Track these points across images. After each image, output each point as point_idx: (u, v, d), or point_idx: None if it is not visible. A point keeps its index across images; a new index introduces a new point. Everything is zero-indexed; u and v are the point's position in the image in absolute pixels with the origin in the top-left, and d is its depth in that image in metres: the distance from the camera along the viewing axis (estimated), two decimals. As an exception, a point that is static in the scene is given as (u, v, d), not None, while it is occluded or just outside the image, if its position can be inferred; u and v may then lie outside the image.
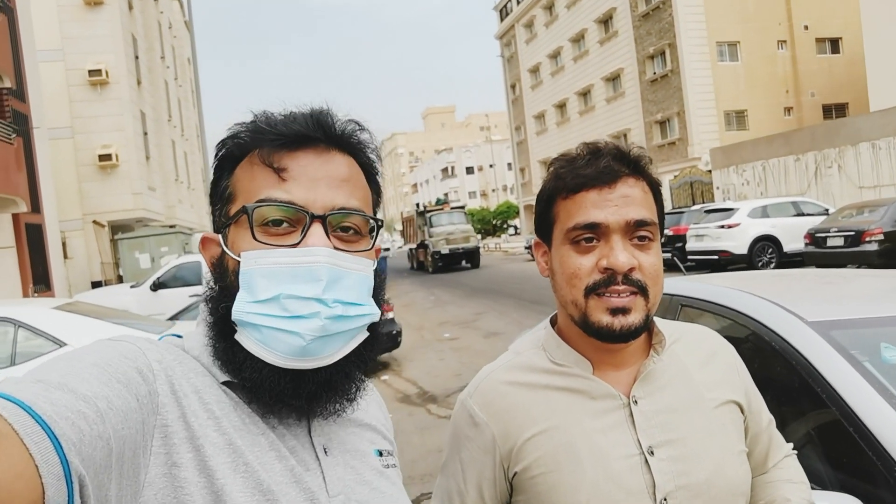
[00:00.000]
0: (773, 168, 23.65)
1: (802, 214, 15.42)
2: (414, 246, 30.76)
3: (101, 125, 23.93)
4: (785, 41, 32.88)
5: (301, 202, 0.74)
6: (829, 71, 32.97)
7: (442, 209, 28.84)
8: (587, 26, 39.83)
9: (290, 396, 0.73)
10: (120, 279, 20.65)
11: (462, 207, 30.62)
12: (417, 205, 30.58)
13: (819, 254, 12.54)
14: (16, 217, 16.41)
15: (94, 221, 23.53)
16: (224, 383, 0.75)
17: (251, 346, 0.72)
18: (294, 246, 0.73)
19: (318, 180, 0.76)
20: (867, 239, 11.78)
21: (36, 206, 17.69)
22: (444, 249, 26.08)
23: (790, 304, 1.80)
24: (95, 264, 23.17)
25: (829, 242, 12.54)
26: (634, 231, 0.98)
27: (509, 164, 71.39)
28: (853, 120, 22.40)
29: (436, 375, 7.99)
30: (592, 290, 0.98)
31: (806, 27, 32.72)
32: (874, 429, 1.35)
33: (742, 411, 1.09)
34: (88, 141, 23.88)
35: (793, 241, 14.42)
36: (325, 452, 0.78)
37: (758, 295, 1.95)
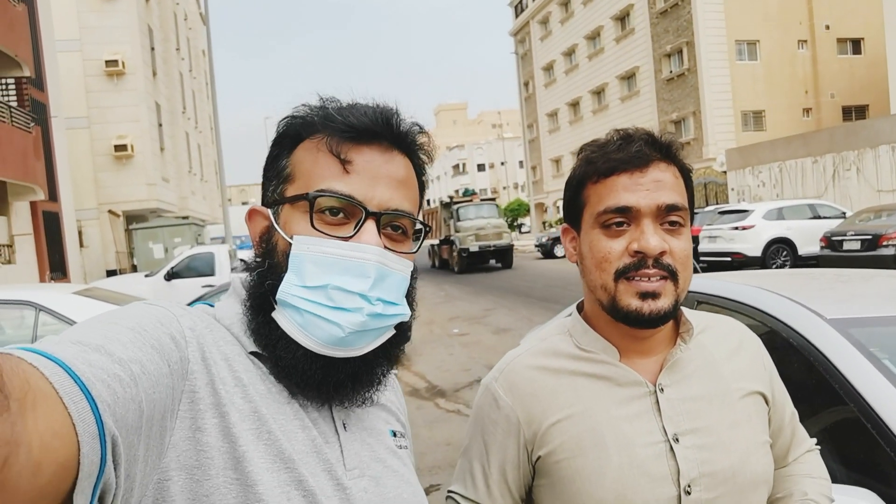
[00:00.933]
0: (789, 170, 23.43)
1: (819, 217, 15.26)
2: (436, 242, 26.99)
3: (116, 115, 24.18)
4: (805, 41, 32.56)
5: (360, 197, 0.76)
6: (850, 72, 32.61)
7: (470, 200, 25.31)
8: (603, 23, 39.63)
9: (318, 382, 0.75)
10: (134, 268, 20.86)
11: (493, 199, 27.15)
12: (450, 197, 26.44)
13: (835, 257, 12.41)
14: (34, 205, 16.62)
15: (110, 211, 23.78)
16: (252, 353, 0.77)
17: (289, 327, 0.75)
18: (347, 239, 0.75)
19: (379, 178, 0.78)
20: (884, 243, 11.65)
21: (53, 194, 17.89)
22: (473, 246, 22.61)
23: (809, 302, 1.78)
24: (110, 253, 23.43)
25: (846, 246, 12.42)
26: (665, 215, 0.97)
27: (521, 162, 71.31)
28: (873, 122, 22.13)
29: (445, 370, 8.00)
30: (622, 274, 0.97)
31: (827, 27, 32.36)
32: (893, 426, 1.33)
33: (766, 402, 1.09)
34: (104, 131, 24.13)
35: (808, 244, 14.29)
36: (345, 428, 0.80)
37: (776, 292, 1.93)
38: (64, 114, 19.96)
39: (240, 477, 0.67)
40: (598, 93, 41.49)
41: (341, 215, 0.77)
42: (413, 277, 0.84)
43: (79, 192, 21.78)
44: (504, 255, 23.66)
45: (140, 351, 0.61)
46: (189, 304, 0.82)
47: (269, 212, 0.81)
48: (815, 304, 1.75)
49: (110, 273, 21.14)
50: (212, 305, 0.84)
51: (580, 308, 1.13)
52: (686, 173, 1.03)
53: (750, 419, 1.03)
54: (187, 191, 30.27)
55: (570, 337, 1.10)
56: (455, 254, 23.66)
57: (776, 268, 14.45)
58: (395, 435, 0.89)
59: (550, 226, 34.17)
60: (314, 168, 0.78)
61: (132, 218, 25.13)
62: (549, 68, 48.17)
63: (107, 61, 23.88)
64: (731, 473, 0.97)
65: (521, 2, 52.74)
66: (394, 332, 0.82)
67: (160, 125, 26.53)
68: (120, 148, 23.94)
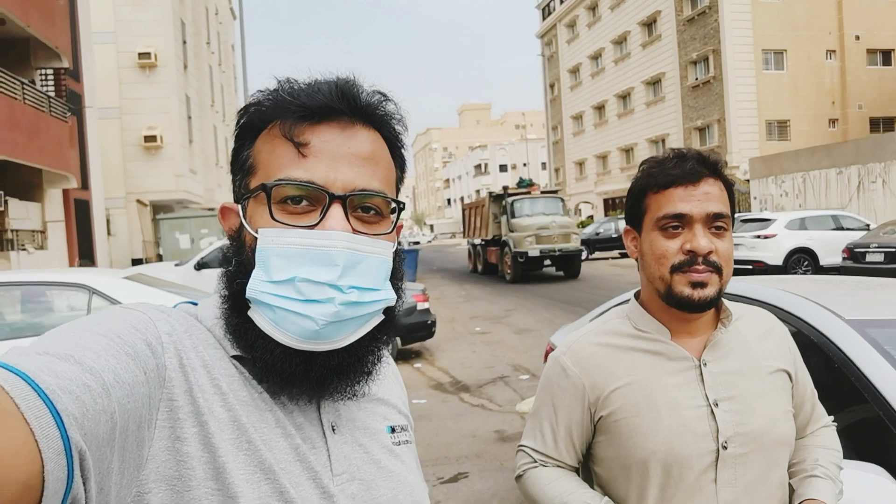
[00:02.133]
0: (813, 180, 23.28)
1: (842, 228, 15.23)
2: (479, 241, 22.65)
3: (147, 107, 24.63)
4: (834, 51, 32.28)
5: (321, 181, 0.72)
6: (880, 83, 32.27)
7: (528, 192, 20.27)
8: (630, 28, 39.54)
9: (300, 379, 0.72)
10: (159, 257, 21.25)
11: (555, 192, 21.45)
12: (504, 188, 21.11)
13: (857, 269, 12.41)
14: (66, 192, 17.05)
15: (138, 200, 24.25)
16: (234, 357, 0.74)
17: (264, 324, 0.71)
18: (312, 227, 0.71)
19: (340, 158, 0.73)
20: (908, 256, 11.63)
21: (85, 182, 18.33)
22: (534, 250, 18.08)
23: (828, 303, 1.95)
24: (137, 242, 23.89)
25: (868, 258, 12.41)
26: (713, 222, 1.19)
27: (543, 164, 71.14)
28: (900, 135, 21.92)
29: (468, 366, 8.17)
30: (677, 269, 1.18)
31: (857, 37, 32.05)
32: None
33: (791, 379, 1.30)
34: (135, 122, 24.60)
35: (830, 255, 14.28)
36: (333, 430, 0.77)
37: (798, 294, 2.10)
38: (97, 104, 20.43)
39: (220, 488, 0.65)
40: (624, 97, 41.40)
41: (305, 203, 0.72)
42: (397, 258, 0.80)
43: (108, 180, 22.24)
44: (570, 263, 19.21)
45: (113, 359, 0.59)
46: (174, 306, 0.79)
47: (239, 207, 0.77)
48: (834, 306, 1.92)
49: (136, 262, 21.53)
50: (195, 304, 0.81)
51: (636, 296, 1.34)
52: (729, 187, 1.25)
53: (776, 391, 1.25)
54: (214, 183, 30.73)
55: (629, 320, 1.32)
56: (507, 258, 19.25)
57: (797, 278, 14.40)
58: (392, 430, 0.85)
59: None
60: (271, 157, 0.74)
61: (159, 208, 25.61)
62: (575, 71, 48.12)
63: (140, 53, 24.35)
64: (760, 434, 1.19)
65: (548, 5, 52.71)
66: (381, 318, 0.78)
67: (189, 117, 26.98)
68: (149, 139, 24.42)
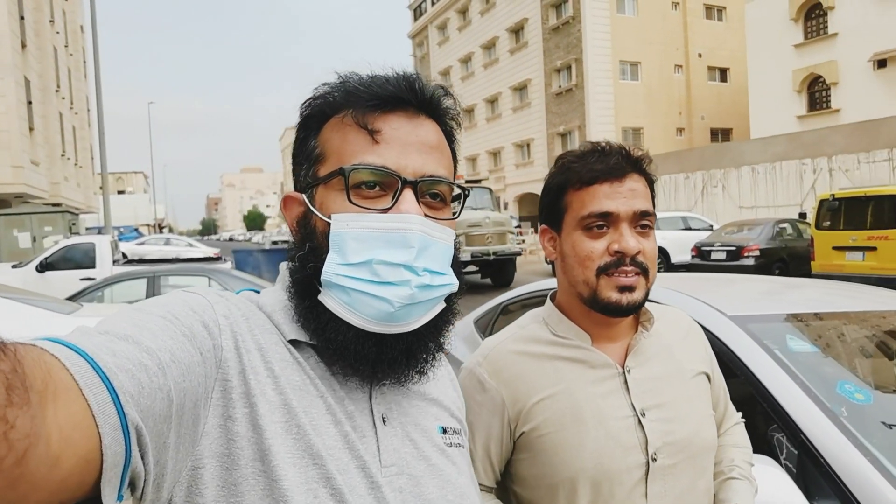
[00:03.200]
0: (664, 184, 25.28)
1: (690, 229, 16.64)
2: None
3: (-23, 89, 21.87)
4: (681, 66, 35.21)
5: (394, 167, 0.74)
6: (718, 97, 35.63)
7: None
8: (499, 34, 40.73)
9: (373, 360, 0.73)
10: (-6, 258, 18.98)
11: (480, 181, 18.01)
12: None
13: (704, 266, 13.64)
14: None
15: (-35, 194, 21.49)
16: (291, 342, 0.75)
17: (337, 307, 0.72)
18: (385, 211, 0.73)
19: (410, 145, 0.76)
20: (746, 254, 12.99)
21: None
22: (464, 255, 13.16)
23: (711, 301, 2.06)
24: (-35, 241, 21.15)
25: (713, 256, 13.68)
26: (639, 220, 1.12)
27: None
28: (737, 145, 24.45)
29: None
30: (603, 271, 1.11)
31: (700, 55, 35.19)
32: (786, 405, 1.60)
33: (709, 381, 1.26)
34: (-38, 106, 21.76)
35: (680, 254, 15.54)
36: (384, 421, 0.77)
37: (681, 292, 2.20)
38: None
39: (266, 470, 0.65)
40: (492, 101, 42.59)
41: (377, 188, 0.74)
42: (456, 247, 0.82)
43: (-72, 171, 19.55)
44: (503, 268, 15.02)
45: (170, 339, 0.61)
46: (237, 293, 0.81)
47: (304, 196, 0.79)
48: (717, 303, 2.03)
49: (-36, 262, 19.10)
50: (257, 292, 0.82)
51: (552, 297, 1.26)
52: (651, 184, 1.19)
53: (700, 395, 1.20)
54: (60, 176, 27.89)
55: (546, 325, 1.23)
56: None
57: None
58: (444, 432, 0.84)
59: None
60: (343, 144, 0.76)
61: (-8, 203, 22.87)
62: (445, 73, 48.81)
63: (-33, 28, 21.59)
64: (688, 442, 1.13)
65: (420, 5, 53.12)
66: (444, 305, 0.80)
67: (30, 103, 24.29)
68: (-20, 125, 21.72)
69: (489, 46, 42.38)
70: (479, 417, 1.18)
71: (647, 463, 1.10)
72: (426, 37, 51.80)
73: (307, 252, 0.76)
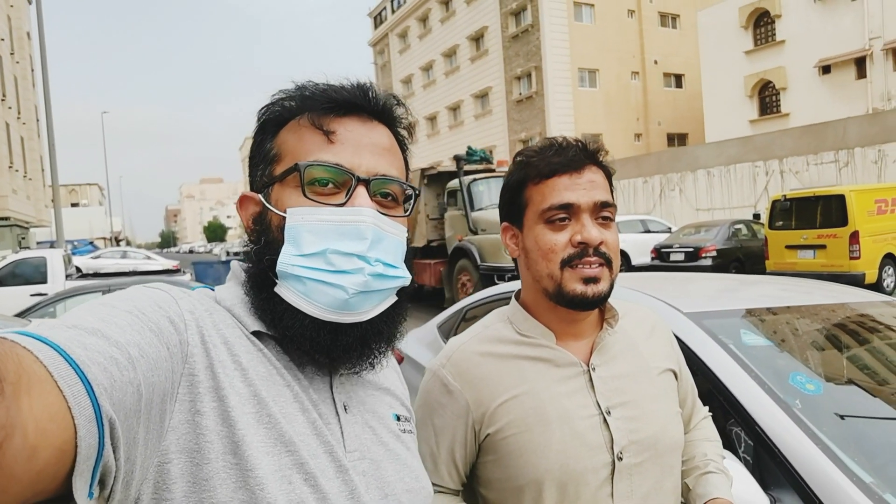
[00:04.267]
0: (623, 188, 25.72)
1: (649, 231, 16.96)
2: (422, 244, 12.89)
3: (-82, 99, 21.03)
4: (638, 72, 35.90)
5: (348, 165, 0.78)
6: (674, 103, 36.42)
7: (492, 170, 13.04)
8: (459, 42, 40.95)
9: (328, 348, 0.76)
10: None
11: (492, 169, 13.08)
12: (458, 159, 12.98)
13: (664, 267, 13.90)
14: None
15: None
16: (254, 333, 0.77)
17: (292, 297, 0.75)
18: (340, 206, 0.77)
19: (364, 146, 0.80)
20: (703, 255, 13.28)
21: None
22: (502, 261, 10.30)
23: (667, 299, 2.08)
24: None
25: (672, 257, 13.96)
26: (600, 211, 1.12)
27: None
28: (693, 149, 25.02)
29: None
30: (567, 263, 1.09)
31: (655, 62, 35.96)
32: (741, 399, 1.62)
33: (676, 378, 1.25)
34: None
35: (640, 255, 15.81)
36: (346, 409, 0.80)
37: (640, 291, 2.23)
38: None
39: (238, 462, 0.66)
40: (454, 109, 42.75)
41: (331, 185, 0.78)
42: (408, 244, 0.85)
43: None
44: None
45: (138, 334, 0.61)
46: (192, 290, 0.82)
47: (260, 196, 0.82)
48: (673, 301, 2.05)
49: None
50: (212, 289, 0.83)
51: (517, 296, 1.25)
52: (609, 176, 1.18)
53: (666, 393, 1.19)
54: (7, 189, 26.91)
55: (511, 324, 1.21)
56: (467, 277, 11.27)
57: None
58: (398, 419, 0.89)
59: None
60: (299, 144, 0.79)
61: (-64, 217, 21.95)
62: (407, 81, 48.86)
63: None
64: (654, 441, 1.11)
65: (380, 13, 53.10)
66: (396, 298, 0.83)
67: (-26, 113, 23.46)
68: (-78, 137, 20.87)
69: (450, 54, 42.56)
70: (443, 420, 1.16)
71: (613, 462, 1.08)
72: (387, 45, 51.76)
73: (263, 246, 0.79)
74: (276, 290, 0.76)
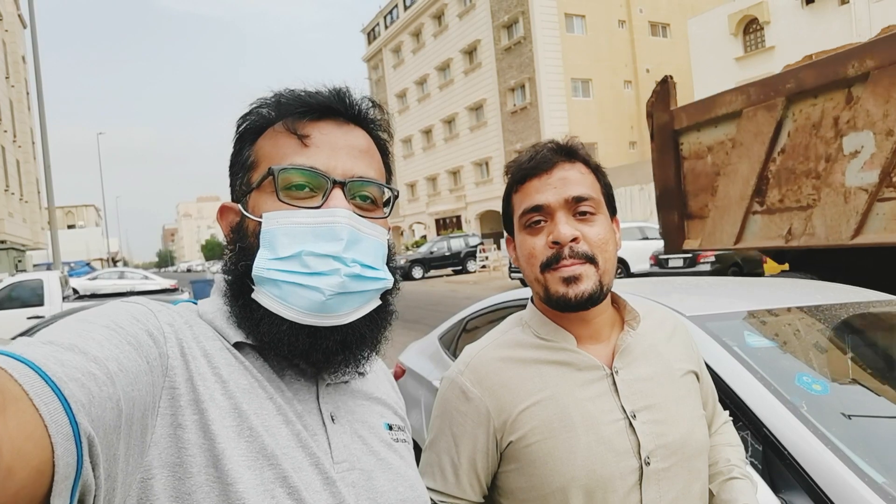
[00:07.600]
0: (620, 196, 25.74)
1: (647, 238, 16.96)
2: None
3: (-87, 125, 21.07)
4: (630, 81, 36.19)
5: (323, 168, 0.77)
6: (667, 111, 36.63)
7: None
8: (453, 56, 41.25)
9: (307, 352, 0.74)
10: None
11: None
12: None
13: (663, 273, 13.88)
14: None
15: None
16: (235, 345, 0.75)
17: (269, 302, 0.74)
18: (316, 208, 0.76)
19: (339, 149, 0.79)
20: (701, 260, 13.28)
21: None
22: None
23: (670, 303, 2.07)
24: None
25: (671, 263, 13.95)
26: (576, 207, 1.09)
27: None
28: (687, 156, 25.07)
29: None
30: (547, 266, 1.08)
31: (648, 70, 36.23)
32: (748, 401, 1.60)
33: (698, 380, 1.22)
34: None
35: (639, 263, 15.80)
36: (333, 420, 0.78)
37: (645, 296, 2.21)
38: None
39: (220, 475, 0.65)
40: (450, 122, 42.97)
41: (307, 189, 0.77)
42: (390, 246, 0.84)
43: None
44: None
45: (116, 348, 0.60)
46: (174, 304, 0.80)
47: (239, 205, 0.81)
48: (676, 305, 2.04)
49: None
50: (195, 303, 0.82)
51: (533, 300, 1.21)
52: (594, 168, 1.16)
53: (690, 395, 1.16)
54: (4, 212, 26.91)
55: (529, 328, 1.18)
56: None
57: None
58: (390, 428, 0.87)
59: (407, 248, 34.33)
60: (274, 149, 0.79)
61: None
62: (402, 95, 49.12)
63: None
64: (681, 444, 1.08)
65: (373, 29, 53.45)
66: (379, 302, 0.81)
67: (-31, 138, 23.50)
68: (-83, 162, 20.88)
69: (444, 68, 42.84)
70: (463, 429, 1.12)
71: (641, 467, 1.04)
72: (381, 60, 52.08)
73: (238, 252, 0.78)
74: (253, 296, 0.75)
